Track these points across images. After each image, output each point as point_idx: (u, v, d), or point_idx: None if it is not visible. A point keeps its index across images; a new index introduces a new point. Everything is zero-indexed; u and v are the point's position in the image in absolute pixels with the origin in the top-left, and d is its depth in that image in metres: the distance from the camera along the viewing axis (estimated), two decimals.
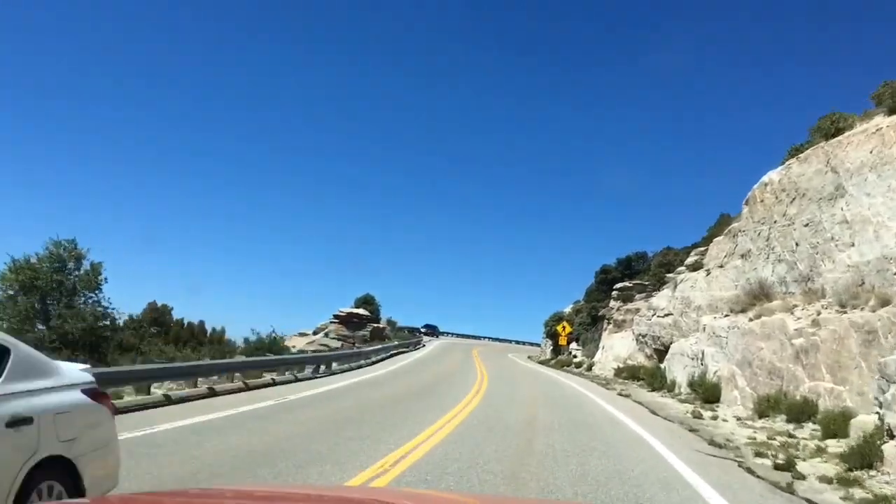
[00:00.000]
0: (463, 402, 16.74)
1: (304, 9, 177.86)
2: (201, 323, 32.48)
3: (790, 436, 12.18)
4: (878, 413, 10.73)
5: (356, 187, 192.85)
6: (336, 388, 19.51)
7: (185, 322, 31.74)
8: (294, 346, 40.17)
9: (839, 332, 13.27)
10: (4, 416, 3.87)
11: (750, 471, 8.88)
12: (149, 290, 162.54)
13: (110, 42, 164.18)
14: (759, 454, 10.25)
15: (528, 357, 58.30)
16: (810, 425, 12.76)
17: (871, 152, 15.41)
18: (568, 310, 58.59)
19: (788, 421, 13.42)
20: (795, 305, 16.19)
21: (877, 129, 15.78)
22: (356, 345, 44.61)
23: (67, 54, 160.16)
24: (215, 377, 17.35)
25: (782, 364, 15.12)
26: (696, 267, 27.63)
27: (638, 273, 44.76)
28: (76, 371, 5.07)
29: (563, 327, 50.92)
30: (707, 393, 18.04)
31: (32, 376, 4.31)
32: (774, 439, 11.82)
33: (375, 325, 56.68)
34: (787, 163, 19.94)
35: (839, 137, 17.37)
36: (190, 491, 3.72)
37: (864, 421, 11.32)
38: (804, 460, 9.85)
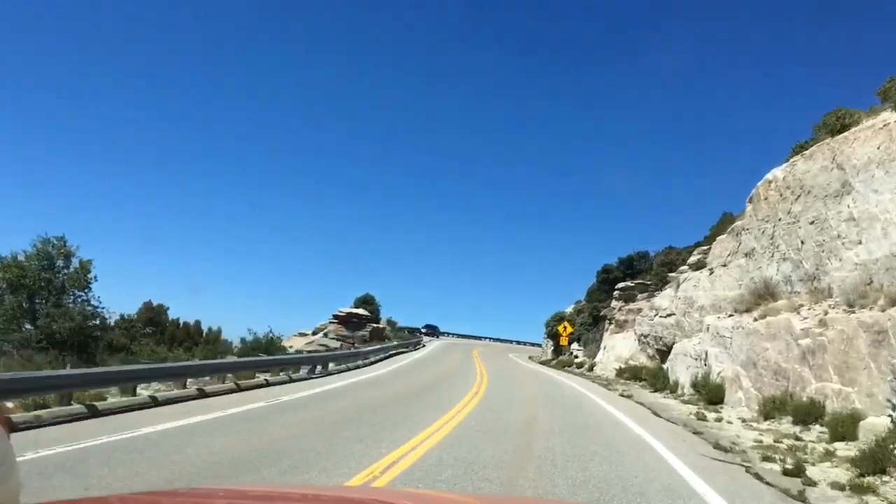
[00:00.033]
0: (461, 402, 16.37)
1: (304, 9, 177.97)
2: (197, 323, 32.10)
3: (797, 438, 11.83)
4: (890, 416, 10.38)
5: (356, 187, 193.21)
6: (331, 388, 19.13)
7: (181, 322, 31.33)
8: (291, 347, 39.79)
9: (847, 333, 12.92)
10: None
11: (758, 476, 8.49)
12: (148, 291, 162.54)
13: (110, 42, 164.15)
14: (766, 458, 9.89)
15: (529, 357, 57.92)
16: (817, 427, 12.44)
17: (878, 148, 15.07)
18: (569, 310, 58.19)
19: (795, 423, 13.10)
20: (801, 305, 15.83)
21: (884, 125, 15.43)
22: (355, 345, 44.23)
23: (67, 54, 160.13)
24: (206, 378, 16.97)
25: (788, 365, 14.77)
26: (698, 266, 27.25)
27: (640, 273, 44.39)
28: None
29: (565, 327, 50.54)
30: (711, 394, 17.71)
31: None
32: (781, 442, 11.47)
33: (375, 325, 56.29)
34: (792, 160, 19.56)
35: (845, 134, 17.02)
36: (189, 490, 3.43)
37: (874, 423, 10.97)
38: (813, 465, 9.48)
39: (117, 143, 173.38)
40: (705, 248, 28.80)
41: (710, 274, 24.24)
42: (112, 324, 25.70)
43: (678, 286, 27.55)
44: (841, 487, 8.00)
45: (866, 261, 14.35)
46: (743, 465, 9.32)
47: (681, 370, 22.14)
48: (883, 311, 12.40)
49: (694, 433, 12.70)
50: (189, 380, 15.73)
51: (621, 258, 49.48)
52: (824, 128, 18.86)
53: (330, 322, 54.27)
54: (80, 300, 24.62)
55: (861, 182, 15.23)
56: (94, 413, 11.12)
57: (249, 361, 21.15)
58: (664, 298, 29.20)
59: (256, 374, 20.00)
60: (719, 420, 14.81)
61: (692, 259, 29.69)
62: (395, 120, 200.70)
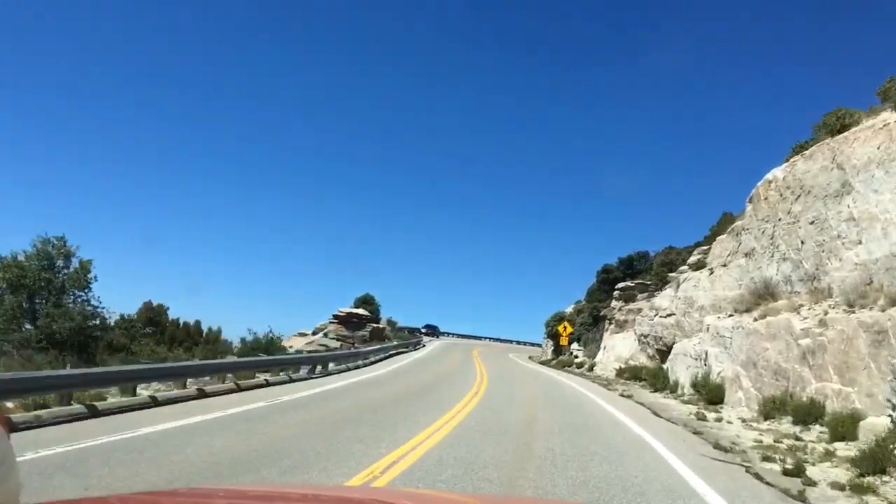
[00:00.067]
0: (461, 402, 16.36)
1: (304, 9, 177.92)
2: (197, 323, 32.06)
3: (797, 438, 11.82)
4: (890, 416, 10.38)
5: (356, 187, 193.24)
6: (331, 389, 19.12)
7: (181, 322, 31.30)
8: (291, 347, 39.77)
9: (847, 333, 12.91)
10: None
11: (758, 476, 8.49)
12: (148, 291, 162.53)
13: (110, 42, 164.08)
14: (766, 458, 9.88)
15: (529, 357, 57.89)
16: (817, 427, 12.44)
17: (878, 148, 15.06)
18: (569, 310, 58.16)
19: (795, 423, 13.09)
20: (801, 305, 15.82)
21: (884, 125, 15.42)
22: (355, 345, 44.21)
23: (67, 54, 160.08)
24: (206, 378, 16.95)
25: (788, 365, 14.76)
26: (698, 266, 27.23)
27: (640, 273, 44.35)
28: None
29: (565, 327, 50.51)
30: (711, 394, 17.69)
31: None
32: (781, 442, 11.46)
33: (375, 325, 56.27)
34: (792, 160, 19.55)
35: (845, 133, 17.01)
36: (189, 490, 3.43)
37: (874, 423, 10.97)
38: (813, 465, 9.48)
39: (117, 143, 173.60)
40: (705, 248, 28.78)
41: (710, 274, 24.23)
42: (112, 324, 25.64)
43: (678, 286, 27.53)
44: (841, 487, 7.99)
45: (866, 261, 14.34)
46: (743, 465, 9.31)
47: (681, 370, 22.14)
48: (883, 311, 12.39)
49: (694, 433, 12.70)
50: (189, 380, 15.71)
51: (621, 258, 49.48)
52: (824, 128, 18.84)
53: (330, 322, 54.24)
54: (80, 300, 24.56)
55: (861, 182, 15.22)
56: (94, 413, 11.11)
57: (249, 361, 21.13)
58: (664, 298, 29.18)
59: (256, 374, 19.99)
60: (719, 420, 14.81)
61: (692, 259, 29.67)
62: (395, 120, 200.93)
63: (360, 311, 55.53)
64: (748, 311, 18.12)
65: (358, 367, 29.93)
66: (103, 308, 25.28)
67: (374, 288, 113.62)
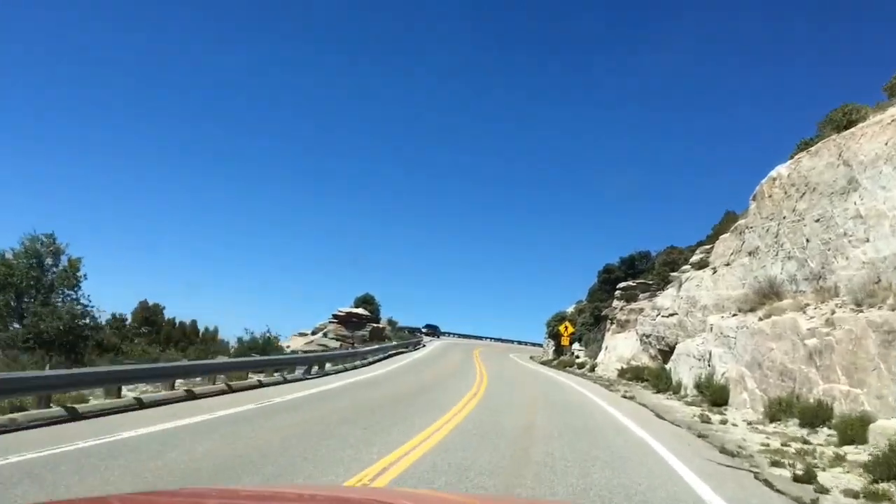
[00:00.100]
0: (460, 404, 15.99)
1: (304, 9, 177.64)
2: (193, 322, 31.74)
3: (805, 442, 11.45)
4: None
5: (356, 187, 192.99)
6: (326, 389, 18.74)
7: (177, 322, 30.94)
8: (289, 346, 39.43)
9: (855, 332, 12.55)
10: None
11: (768, 483, 8.09)
12: (144, 289, 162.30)
13: (110, 42, 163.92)
14: (775, 463, 9.49)
15: (530, 357, 57.49)
16: (825, 430, 12.08)
17: (885, 144, 14.71)
18: (570, 310, 57.77)
19: (802, 425, 12.74)
20: (807, 304, 15.43)
21: (892, 120, 15.08)
22: (354, 345, 43.85)
23: (68, 54, 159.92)
24: (197, 379, 16.55)
25: (794, 365, 14.38)
26: (701, 265, 26.83)
27: (641, 272, 43.98)
28: None
29: (566, 327, 50.12)
30: (715, 395, 17.31)
31: None
32: (789, 446, 11.08)
33: (375, 325, 55.91)
34: (797, 157, 19.16)
35: (852, 129, 16.65)
36: (190, 490, 3.13)
37: (884, 426, 10.62)
38: (824, 470, 9.09)
39: (114, 141, 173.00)
40: (708, 247, 28.38)
41: (713, 273, 23.82)
42: (103, 323, 25.21)
43: (680, 285, 27.15)
44: (854, 495, 7.61)
45: (874, 259, 13.99)
46: (751, 471, 8.92)
47: (684, 371, 21.75)
48: (892, 310, 12.05)
49: (698, 436, 12.31)
50: (179, 381, 15.32)
51: (623, 257, 49.12)
52: (830, 124, 18.47)
53: (329, 322, 53.92)
54: (69, 299, 24.13)
55: (868, 178, 14.86)
56: (73, 416, 10.68)
57: (241, 362, 20.72)
58: (666, 298, 28.80)
59: (250, 375, 19.58)
60: (724, 422, 14.42)
61: (695, 258, 29.30)
62: (396, 119, 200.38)
63: (360, 310, 55.19)
64: (752, 310, 17.74)
65: (356, 368, 29.53)
66: (93, 307, 24.92)
67: (375, 288, 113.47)
